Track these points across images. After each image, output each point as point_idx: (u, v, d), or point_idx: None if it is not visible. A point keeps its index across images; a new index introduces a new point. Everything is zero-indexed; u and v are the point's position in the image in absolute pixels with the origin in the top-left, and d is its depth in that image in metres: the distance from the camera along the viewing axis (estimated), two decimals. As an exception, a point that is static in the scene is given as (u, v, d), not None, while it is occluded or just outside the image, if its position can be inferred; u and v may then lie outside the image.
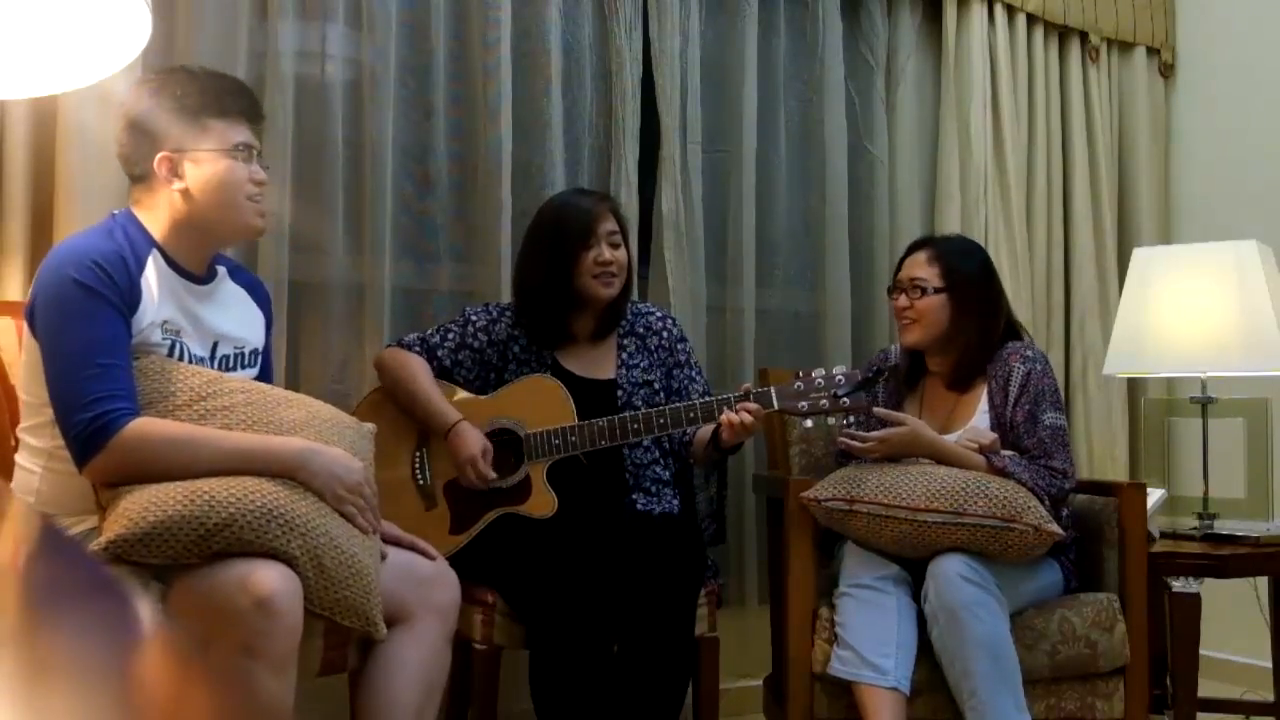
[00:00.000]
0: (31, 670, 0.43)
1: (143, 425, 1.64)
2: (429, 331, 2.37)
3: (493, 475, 2.20)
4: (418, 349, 2.33)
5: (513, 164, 2.71)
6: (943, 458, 2.24)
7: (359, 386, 2.50)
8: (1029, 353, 2.37)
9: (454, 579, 1.94)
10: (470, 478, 2.19)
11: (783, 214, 3.14)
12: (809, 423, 2.23)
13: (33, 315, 1.72)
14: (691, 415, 2.21)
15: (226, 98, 1.83)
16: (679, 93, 2.94)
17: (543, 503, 2.21)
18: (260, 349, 1.97)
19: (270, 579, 1.55)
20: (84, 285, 1.67)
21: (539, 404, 2.27)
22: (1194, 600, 2.49)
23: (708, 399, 2.24)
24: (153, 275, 1.77)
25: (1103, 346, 3.25)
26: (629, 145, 2.86)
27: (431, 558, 1.94)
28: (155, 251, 1.80)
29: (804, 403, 2.19)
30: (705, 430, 2.30)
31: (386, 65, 2.59)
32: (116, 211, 1.85)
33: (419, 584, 1.87)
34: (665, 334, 2.44)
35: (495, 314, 2.41)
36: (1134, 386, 3.52)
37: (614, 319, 2.40)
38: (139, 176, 1.82)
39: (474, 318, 2.39)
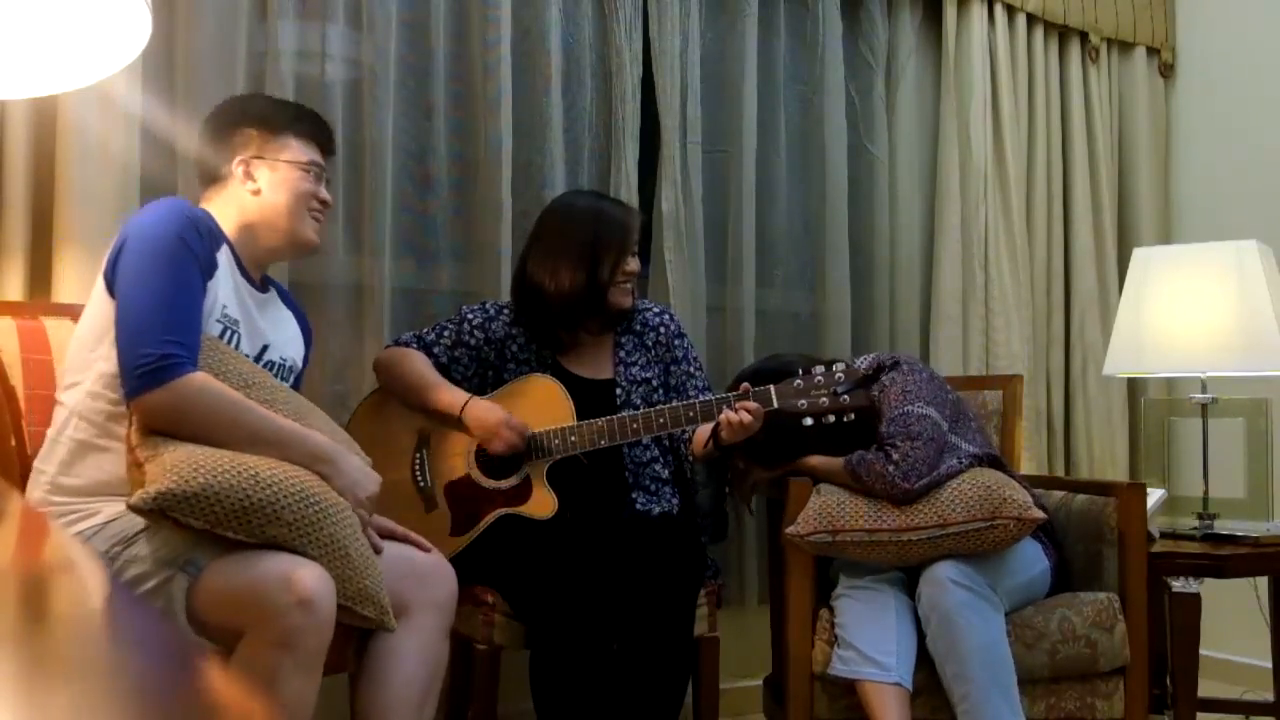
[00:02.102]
0: (31, 670, 0.43)
1: (204, 378, 1.69)
2: (424, 330, 2.38)
3: (528, 430, 2.20)
4: (414, 348, 2.33)
5: (513, 164, 2.71)
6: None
7: (359, 387, 2.50)
8: None
9: (451, 573, 1.95)
10: (508, 438, 2.19)
11: (783, 214, 3.14)
12: (809, 421, 2.23)
13: (115, 260, 1.74)
14: (691, 415, 2.21)
15: (307, 122, 1.97)
16: (679, 93, 2.94)
17: (543, 503, 2.21)
18: (298, 372, 2.03)
19: (312, 578, 1.58)
20: (183, 240, 1.73)
21: (538, 404, 2.27)
22: (1194, 600, 2.49)
23: (707, 399, 2.24)
24: (224, 262, 1.84)
25: (1103, 346, 3.25)
26: (629, 145, 2.86)
27: (426, 549, 1.96)
28: (225, 245, 1.87)
29: (803, 401, 2.18)
30: (705, 427, 2.30)
31: (386, 65, 2.59)
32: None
33: (417, 579, 1.88)
34: (663, 330, 2.44)
35: (492, 312, 2.40)
36: (1134, 386, 3.52)
37: (618, 320, 2.41)
38: (215, 179, 1.91)
39: (470, 316, 2.39)
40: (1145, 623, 2.25)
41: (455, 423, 2.25)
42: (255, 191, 1.89)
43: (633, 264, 2.34)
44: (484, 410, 2.22)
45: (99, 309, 1.77)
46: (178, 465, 1.59)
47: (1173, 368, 2.91)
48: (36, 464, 1.79)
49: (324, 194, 1.96)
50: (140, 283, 1.70)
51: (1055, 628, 2.19)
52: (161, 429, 1.65)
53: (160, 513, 1.57)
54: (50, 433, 1.80)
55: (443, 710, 2.36)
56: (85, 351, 1.77)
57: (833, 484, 2.25)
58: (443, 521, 2.24)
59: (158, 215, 1.77)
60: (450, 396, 2.25)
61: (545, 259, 2.34)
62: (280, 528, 1.61)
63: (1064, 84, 3.56)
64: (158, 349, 1.65)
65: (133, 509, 1.59)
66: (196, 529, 1.59)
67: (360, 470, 1.81)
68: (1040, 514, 2.13)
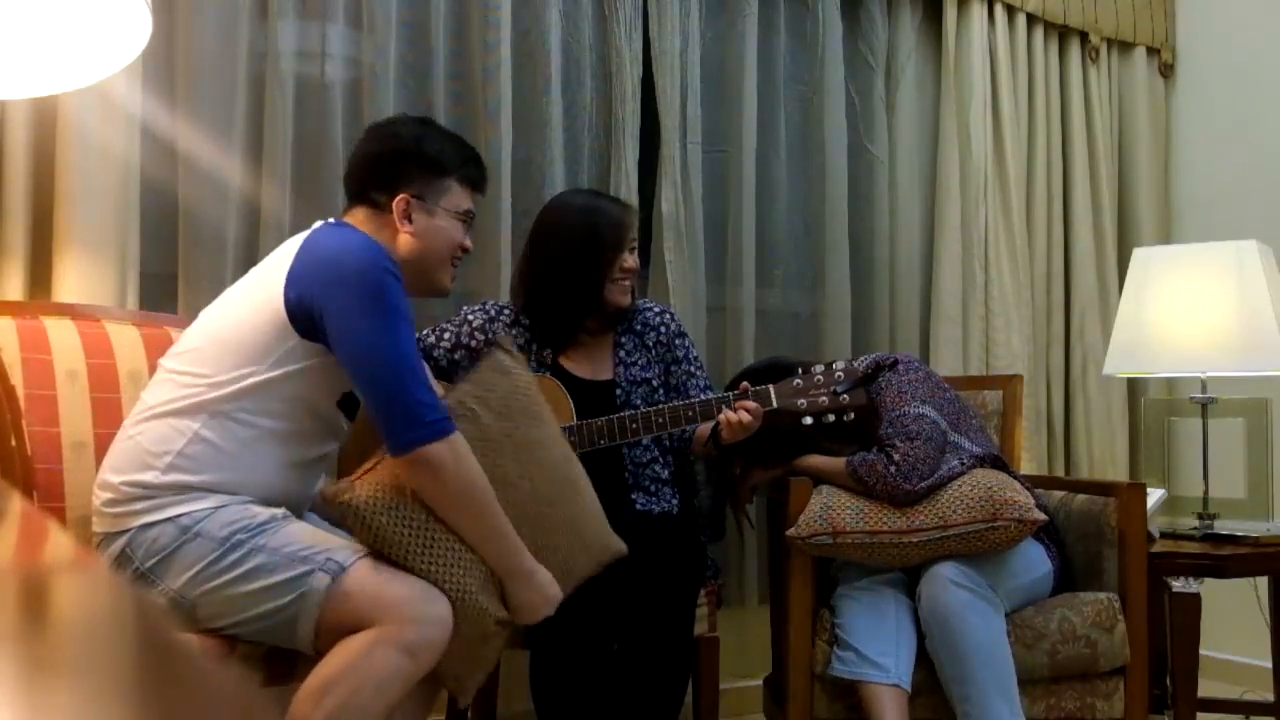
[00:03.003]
0: (31, 670, 0.43)
1: (465, 446, 1.70)
2: (425, 332, 2.37)
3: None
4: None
5: (513, 164, 2.71)
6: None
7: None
8: None
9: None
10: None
11: (783, 214, 3.15)
12: (808, 421, 2.23)
13: (311, 299, 1.68)
14: (690, 414, 2.21)
15: (471, 166, 1.94)
16: (679, 93, 2.95)
17: (543, 503, 2.21)
18: None
19: (450, 609, 1.68)
20: (397, 280, 1.70)
21: (539, 404, 2.26)
22: (1194, 600, 2.49)
23: (707, 399, 2.24)
24: None
25: (1103, 346, 3.25)
26: (629, 145, 2.86)
27: None
28: None
29: (803, 400, 2.18)
30: (705, 425, 2.29)
31: (386, 65, 2.59)
32: (343, 222, 1.86)
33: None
34: (663, 329, 2.44)
35: (493, 312, 2.40)
36: (1134, 386, 3.52)
37: (618, 319, 2.41)
38: (370, 203, 1.86)
39: (470, 316, 2.39)
40: (1145, 623, 2.25)
41: None
42: (410, 234, 1.85)
43: (630, 261, 2.34)
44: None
45: (272, 321, 1.71)
46: (382, 495, 1.68)
47: (1173, 368, 2.91)
48: (138, 436, 1.73)
49: (469, 244, 1.95)
50: (386, 330, 1.66)
51: (1055, 628, 2.19)
52: (423, 478, 1.67)
53: (336, 507, 1.68)
54: (165, 397, 1.73)
55: (443, 710, 2.37)
56: (239, 358, 1.72)
57: (833, 485, 2.25)
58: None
59: (369, 254, 1.71)
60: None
61: (542, 258, 2.34)
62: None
63: (1064, 84, 3.56)
64: (434, 401, 1.68)
65: (323, 493, 1.71)
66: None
67: (543, 590, 1.79)
68: (1041, 515, 2.13)
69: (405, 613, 1.63)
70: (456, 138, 1.99)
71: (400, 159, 1.87)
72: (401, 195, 1.85)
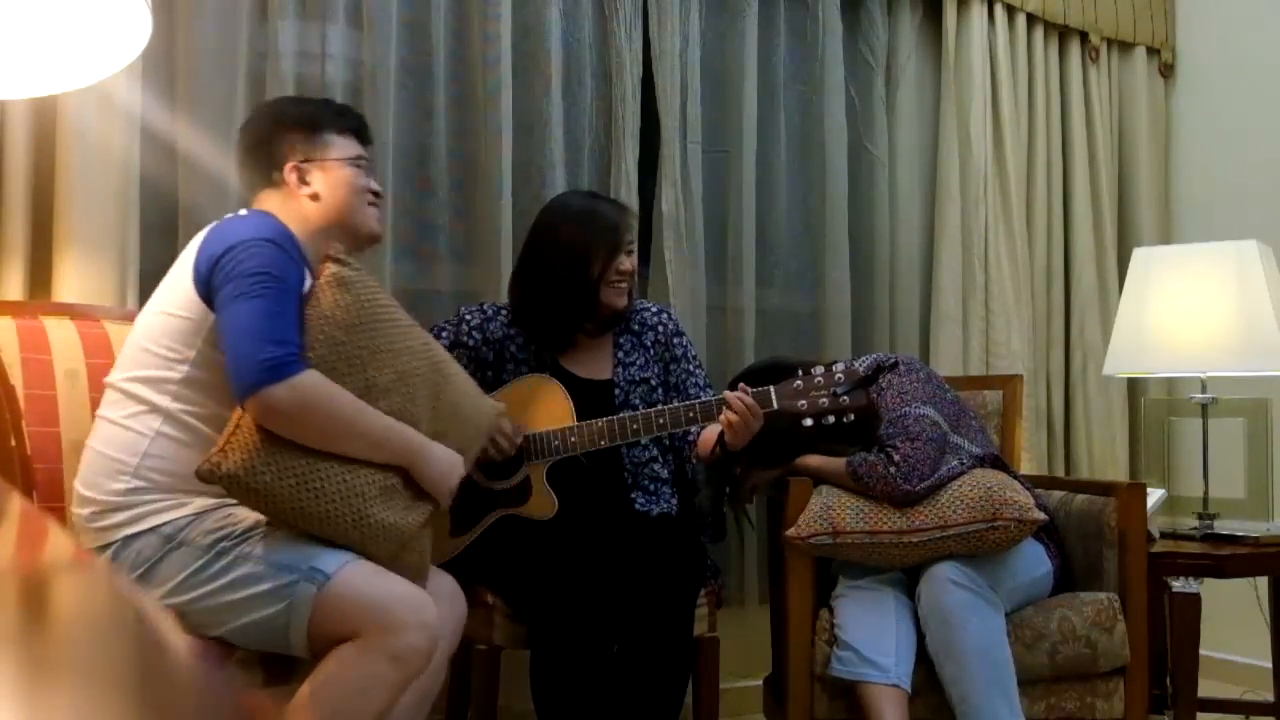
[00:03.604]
0: (31, 670, 0.43)
1: (320, 376, 1.71)
2: (425, 332, 2.37)
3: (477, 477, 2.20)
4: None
5: (513, 164, 2.71)
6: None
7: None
8: None
9: (463, 600, 1.98)
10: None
11: (783, 214, 3.14)
12: (808, 422, 2.22)
13: (211, 268, 1.74)
14: (690, 415, 2.21)
15: (343, 117, 1.98)
16: (679, 93, 2.94)
17: (543, 504, 2.21)
18: None
19: (433, 611, 1.71)
20: (285, 250, 1.76)
21: (538, 405, 2.27)
22: (1194, 600, 2.49)
23: (707, 399, 2.24)
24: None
25: (1103, 346, 3.25)
26: (629, 145, 2.86)
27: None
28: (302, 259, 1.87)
29: (803, 401, 2.18)
30: (710, 435, 2.29)
31: (386, 65, 2.59)
32: (244, 211, 1.88)
33: (433, 598, 1.91)
34: (661, 329, 2.44)
35: (490, 313, 2.40)
36: (1134, 386, 3.52)
37: (615, 321, 2.41)
38: (270, 184, 1.92)
39: (467, 316, 2.39)
40: (1145, 623, 2.25)
41: None
42: (314, 196, 1.90)
43: (627, 264, 2.33)
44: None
45: (188, 312, 1.76)
46: (253, 455, 1.65)
47: (1173, 368, 2.91)
48: (100, 448, 1.76)
49: (375, 185, 1.98)
50: (252, 290, 1.70)
51: (1055, 628, 2.19)
52: (274, 423, 1.68)
53: (215, 481, 1.65)
54: (117, 414, 1.77)
55: (442, 710, 2.36)
56: (171, 350, 1.76)
57: (833, 485, 2.25)
58: (442, 522, 2.23)
59: (256, 226, 1.78)
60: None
61: (538, 259, 2.34)
62: (322, 533, 1.70)
63: (1064, 84, 3.56)
64: (280, 348, 1.68)
65: (198, 474, 1.64)
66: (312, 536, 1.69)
67: (446, 462, 1.84)
68: (1041, 515, 2.13)
69: (390, 620, 1.64)
70: (322, 99, 2.07)
71: (273, 134, 1.92)
72: (289, 164, 1.89)
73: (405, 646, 1.64)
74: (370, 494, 1.73)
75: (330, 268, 1.81)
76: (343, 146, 1.94)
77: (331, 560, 1.68)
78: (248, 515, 1.72)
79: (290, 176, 1.89)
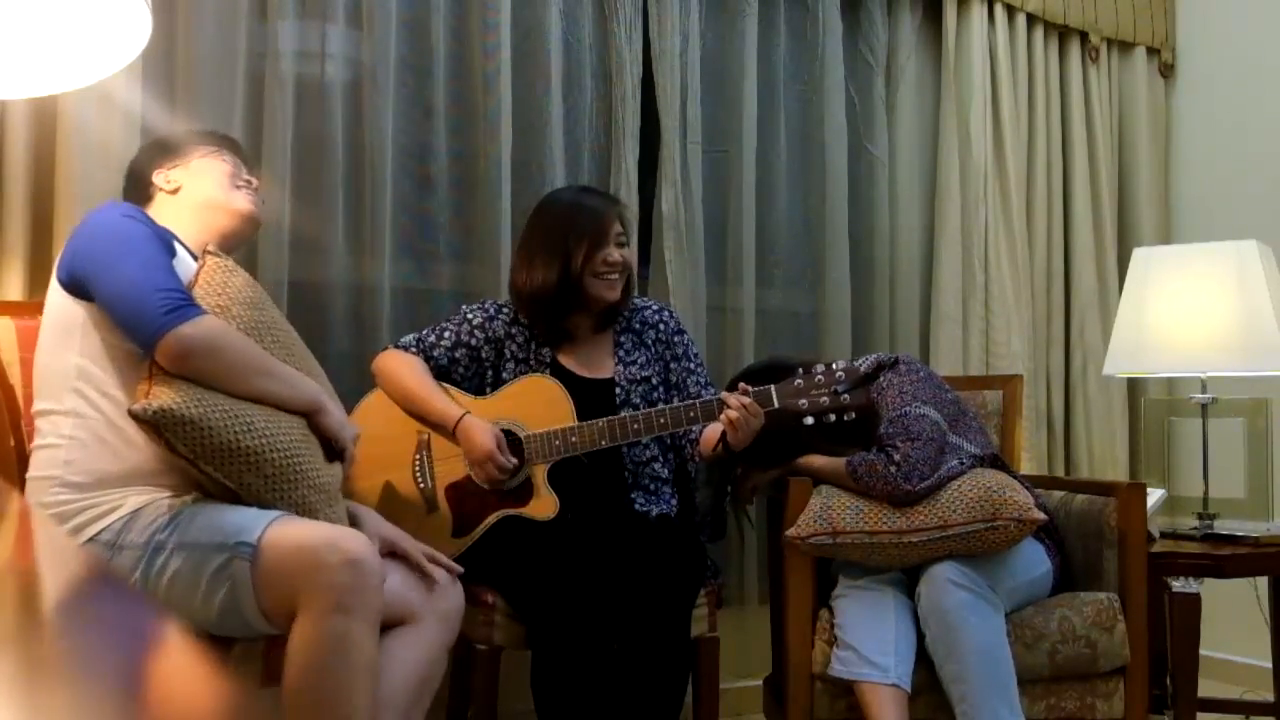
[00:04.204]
0: (31, 670, 0.43)
1: (220, 321, 1.75)
2: (425, 331, 2.37)
3: (512, 462, 2.20)
4: (414, 349, 2.33)
5: (513, 164, 2.71)
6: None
7: (358, 387, 2.50)
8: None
9: (460, 589, 1.99)
10: (490, 473, 2.19)
11: (783, 214, 3.14)
12: (809, 421, 2.22)
13: (71, 265, 1.78)
14: (691, 414, 2.21)
15: (209, 136, 2.05)
16: (679, 93, 2.94)
17: (544, 504, 2.21)
18: None
19: (355, 541, 1.67)
20: (133, 217, 1.81)
21: (539, 405, 2.26)
22: (1194, 600, 2.49)
23: (708, 399, 2.23)
24: (181, 250, 1.88)
25: (1103, 346, 3.25)
26: (629, 145, 2.86)
27: (456, 572, 2.01)
28: (173, 239, 1.89)
29: (804, 400, 2.18)
30: (712, 434, 2.29)
31: (386, 65, 2.59)
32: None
33: (426, 588, 1.92)
34: (662, 327, 2.44)
35: (492, 311, 2.40)
36: (1134, 386, 3.52)
37: (612, 317, 2.40)
38: (150, 199, 1.98)
39: (470, 315, 2.39)
40: (1145, 623, 2.25)
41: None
42: (176, 189, 1.96)
43: (616, 255, 2.32)
44: (479, 433, 2.21)
45: (63, 313, 1.80)
46: (184, 391, 1.66)
47: (1173, 368, 2.91)
48: (33, 474, 1.79)
49: (242, 171, 2.02)
50: (121, 258, 1.74)
51: (1055, 628, 2.19)
52: (184, 367, 1.69)
53: (155, 429, 1.63)
54: (39, 442, 1.80)
55: (442, 710, 2.36)
56: (57, 359, 1.79)
57: (833, 485, 2.25)
58: (444, 523, 2.23)
59: (100, 211, 1.83)
60: (444, 414, 2.24)
61: (527, 254, 2.35)
62: (258, 478, 1.69)
63: (1064, 84, 3.56)
64: (169, 297, 1.70)
65: (131, 413, 1.64)
66: (181, 455, 1.66)
67: (343, 413, 1.91)
68: (1041, 515, 2.13)
69: (320, 577, 1.61)
70: (191, 130, 2.14)
71: (143, 162, 2.01)
72: (157, 174, 1.97)
73: (341, 590, 1.60)
74: (295, 435, 1.77)
75: (210, 259, 1.87)
76: (201, 150, 2.00)
77: (253, 527, 1.66)
78: (176, 500, 1.72)
79: (158, 181, 1.97)
